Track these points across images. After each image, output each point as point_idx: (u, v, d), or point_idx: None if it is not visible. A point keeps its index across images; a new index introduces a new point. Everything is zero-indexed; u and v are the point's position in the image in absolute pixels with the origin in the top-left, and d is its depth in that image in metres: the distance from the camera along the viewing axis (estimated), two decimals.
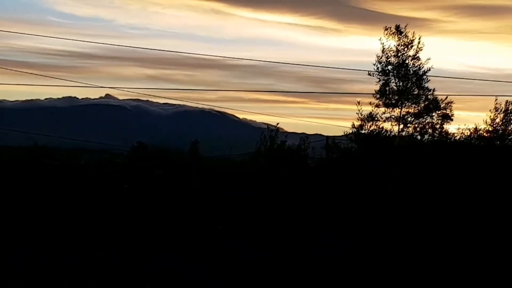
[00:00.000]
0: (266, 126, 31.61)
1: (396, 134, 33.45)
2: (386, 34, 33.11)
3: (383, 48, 33.14)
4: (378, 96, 33.24)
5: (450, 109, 33.29)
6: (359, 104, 33.10)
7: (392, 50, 33.18)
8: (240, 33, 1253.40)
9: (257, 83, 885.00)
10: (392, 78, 33.33)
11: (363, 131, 32.99)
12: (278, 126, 31.12)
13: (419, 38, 33.02)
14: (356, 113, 33.13)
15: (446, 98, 33.19)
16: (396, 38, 33.14)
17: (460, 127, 33.71)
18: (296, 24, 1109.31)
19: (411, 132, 33.40)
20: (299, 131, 37.23)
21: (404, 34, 33.09)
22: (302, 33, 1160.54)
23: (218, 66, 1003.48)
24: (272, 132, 30.25)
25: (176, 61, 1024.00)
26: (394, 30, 33.17)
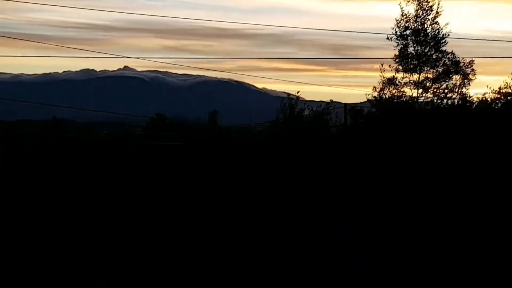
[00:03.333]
0: (286, 95, 31.38)
1: (415, 99, 33.38)
2: None
3: (402, 13, 32.96)
4: (397, 60, 33.16)
5: (472, 68, 33.34)
6: (382, 66, 33.11)
7: (411, 15, 33.06)
8: (257, 2, 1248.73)
9: (276, 51, 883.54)
10: (411, 42, 33.21)
11: (384, 96, 33.00)
12: (298, 94, 30.84)
13: (438, 3, 32.98)
14: (379, 75, 33.27)
15: (471, 61, 33.28)
16: (416, 3, 33.01)
17: (479, 91, 33.49)
18: None
19: (430, 97, 33.32)
20: (317, 99, 37.00)
21: None
22: (320, 0, 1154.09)
23: (236, 35, 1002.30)
24: (292, 101, 29.96)
25: (194, 31, 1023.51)
26: None
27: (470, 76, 33.28)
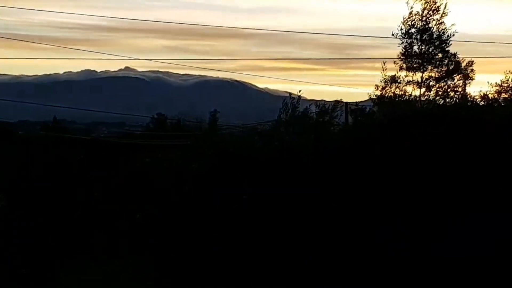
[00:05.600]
0: (288, 95, 31.20)
1: (417, 98, 33.31)
2: None
3: (410, 12, 32.90)
4: (402, 58, 33.11)
5: (471, 68, 33.11)
6: (384, 65, 33.07)
7: (418, 14, 32.89)
8: (258, 1, 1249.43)
9: (277, 51, 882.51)
10: (415, 41, 33.05)
11: (386, 95, 32.87)
12: (300, 93, 30.65)
13: (446, 4, 32.79)
14: (382, 73, 33.03)
15: (470, 61, 33.13)
16: (423, 2, 32.88)
17: (482, 89, 33.16)
18: None
19: (432, 96, 33.24)
20: (319, 98, 36.81)
21: None
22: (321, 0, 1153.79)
23: (238, 35, 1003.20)
24: (293, 100, 29.75)
25: (195, 31, 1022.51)
26: None
27: (470, 75, 33.21)
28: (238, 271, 24.65)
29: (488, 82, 32.72)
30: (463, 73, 33.08)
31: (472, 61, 33.22)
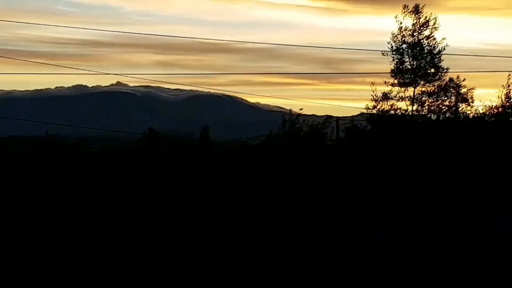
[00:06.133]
0: (279, 110, 31.72)
1: (410, 113, 33.31)
2: (404, 12, 32.92)
3: (400, 27, 32.97)
4: (393, 74, 33.09)
5: (471, 94, 33.16)
6: (373, 85, 33.04)
7: (408, 29, 32.98)
8: (248, 16, 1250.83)
9: (267, 66, 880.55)
10: (406, 57, 33.08)
11: (376, 111, 32.88)
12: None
13: (435, 18, 32.96)
14: (371, 94, 33.06)
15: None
16: (413, 17, 32.95)
17: (474, 104, 33.31)
18: (305, 6, 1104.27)
19: (425, 112, 33.24)
20: (309, 113, 36.91)
21: (421, 13, 32.91)
22: (311, 15, 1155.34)
23: (228, 50, 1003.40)
24: (292, 117, 30.34)
25: (185, 46, 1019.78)
26: (412, 9, 32.94)
27: (469, 101, 33.18)
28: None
29: (480, 101, 33.08)
30: (462, 97, 33.10)
31: (473, 88, 33.10)
